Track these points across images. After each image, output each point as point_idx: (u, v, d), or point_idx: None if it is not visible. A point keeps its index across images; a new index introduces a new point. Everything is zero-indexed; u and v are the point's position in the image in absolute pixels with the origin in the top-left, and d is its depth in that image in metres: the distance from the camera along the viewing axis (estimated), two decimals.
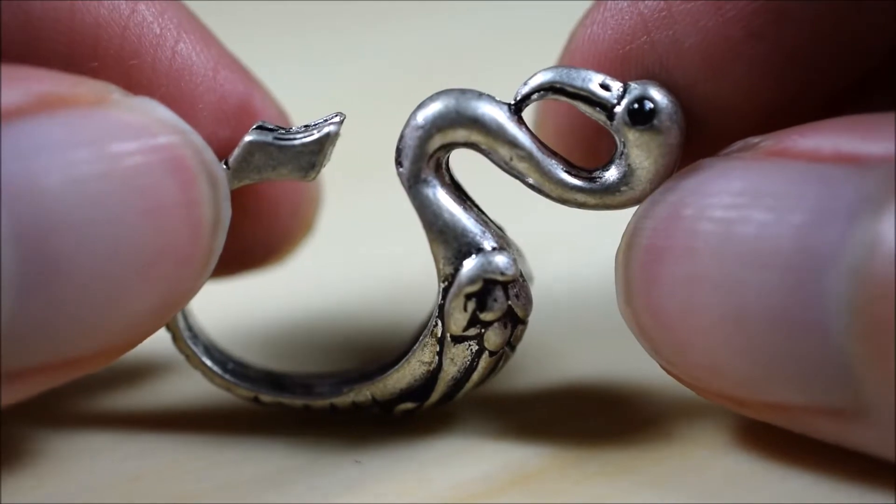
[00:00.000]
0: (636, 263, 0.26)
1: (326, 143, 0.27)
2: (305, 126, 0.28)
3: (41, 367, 0.24)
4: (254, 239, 0.30)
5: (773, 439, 0.27)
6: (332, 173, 0.29)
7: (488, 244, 0.27)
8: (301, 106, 0.32)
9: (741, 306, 0.25)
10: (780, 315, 0.24)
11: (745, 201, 0.25)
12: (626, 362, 0.30)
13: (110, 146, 0.24)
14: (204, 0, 0.32)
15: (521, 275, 0.27)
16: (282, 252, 0.32)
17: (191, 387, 0.29)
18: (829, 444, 0.26)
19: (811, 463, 0.26)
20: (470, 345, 0.27)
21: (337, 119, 0.27)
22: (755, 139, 0.26)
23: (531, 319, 0.28)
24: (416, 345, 0.27)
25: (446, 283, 0.27)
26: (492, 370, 0.28)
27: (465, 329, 0.27)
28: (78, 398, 0.30)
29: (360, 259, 0.37)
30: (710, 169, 0.26)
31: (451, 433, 0.28)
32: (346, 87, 0.50)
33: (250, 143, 0.27)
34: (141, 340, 0.26)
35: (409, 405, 0.28)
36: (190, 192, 0.25)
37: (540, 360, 0.31)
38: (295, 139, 0.27)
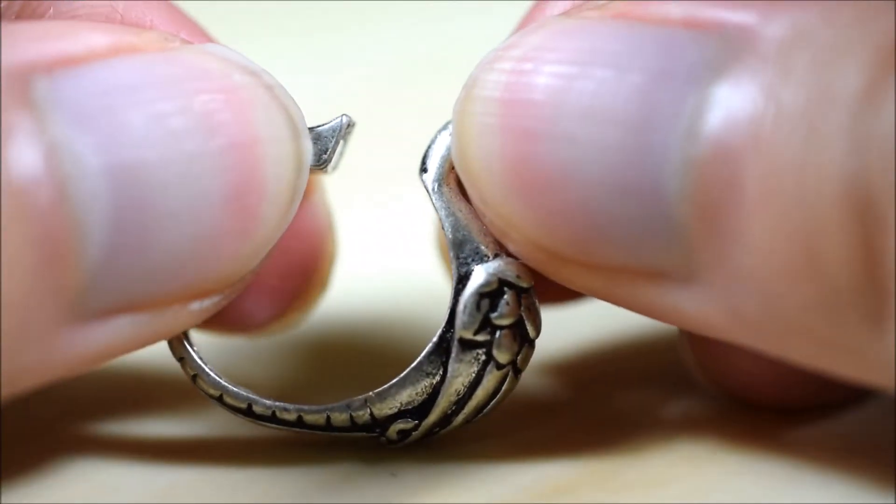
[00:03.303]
0: (474, 114, 0.26)
1: (340, 129, 0.27)
2: (311, 128, 0.27)
3: (130, 305, 0.24)
4: (267, 297, 0.30)
5: (803, 451, 0.27)
6: (333, 179, 0.29)
7: (504, 251, 0.27)
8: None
9: (576, 162, 0.25)
10: (615, 173, 0.24)
11: (588, 58, 0.25)
12: (659, 374, 0.30)
13: (185, 85, 0.25)
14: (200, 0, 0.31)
15: (534, 291, 0.27)
16: (297, 310, 0.31)
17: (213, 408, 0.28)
18: (837, 449, 0.26)
19: (825, 467, 0.27)
20: (478, 354, 0.27)
21: (345, 119, 0.27)
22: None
23: (554, 333, 0.28)
24: (422, 354, 0.27)
25: (460, 284, 0.27)
26: (495, 393, 0.27)
27: (477, 332, 0.27)
28: (88, 420, 0.30)
29: (366, 271, 0.37)
30: (554, 26, 0.26)
31: (484, 446, 0.28)
32: (345, 92, 0.50)
33: None
34: (232, 284, 0.26)
35: (406, 423, 0.27)
36: (267, 129, 0.25)
37: (567, 370, 0.31)
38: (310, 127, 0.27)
